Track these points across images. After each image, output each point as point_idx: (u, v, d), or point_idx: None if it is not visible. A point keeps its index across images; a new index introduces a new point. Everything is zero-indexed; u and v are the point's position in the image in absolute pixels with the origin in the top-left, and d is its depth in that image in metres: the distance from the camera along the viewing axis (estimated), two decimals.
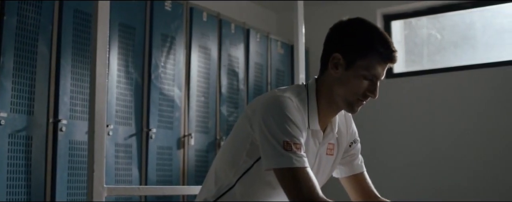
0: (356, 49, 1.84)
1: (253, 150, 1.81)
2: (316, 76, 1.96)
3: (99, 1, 2.12)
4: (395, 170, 4.92)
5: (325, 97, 1.89)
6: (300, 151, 1.72)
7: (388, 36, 1.87)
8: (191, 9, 3.99)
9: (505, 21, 4.85)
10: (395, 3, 5.14)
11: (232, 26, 4.38)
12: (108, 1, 2.17)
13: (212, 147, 4.01)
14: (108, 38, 2.13)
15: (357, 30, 1.87)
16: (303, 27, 3.97)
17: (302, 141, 1.76)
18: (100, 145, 2.03)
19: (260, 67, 4.69)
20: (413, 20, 5.28)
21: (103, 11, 2.12)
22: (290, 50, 5.07)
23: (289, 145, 1.71)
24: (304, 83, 1.98)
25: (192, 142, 3.87)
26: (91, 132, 2.02)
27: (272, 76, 4.82)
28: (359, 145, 2.12)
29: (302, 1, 4.01)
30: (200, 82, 4.02)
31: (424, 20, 5.25)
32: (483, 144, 4.61)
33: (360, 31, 1.86)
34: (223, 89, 4.24)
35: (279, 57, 4.96)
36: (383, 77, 1.87)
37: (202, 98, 4.02)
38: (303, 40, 3.95)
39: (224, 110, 4.22)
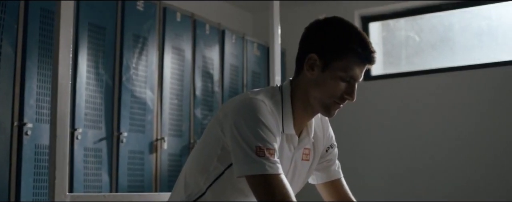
0: (333, 50, 1.75)
1: (224, 156, 1.73)
2: (291, 78, 1.87)
3: (62, 1, 2.01)
4: (373, 174, 4.86)
5: (301, 100, 1.81)
6: (274, 157, 1.64)
7: (366, 36, 1.80)
8: (164, 9, 3.89)
9: (484, 23, 4.82)
10: (373, 4, 5.09)
11: (207, 27, 4.29)
12: (72, 1, 2.06)
13: (186, 151, 3.91)
14: (71, 39, 2.03)
15: (334, 29, 1.79)
16: (279, 27, 3.90)
17: (276, 146, 1.67)
18: (63, 151, 1.92)
19: (236, 69, 4.60)
20: (391, 22, 5.23)
21: (67, 11, 2.01)
22: (266, 52, 4.97)
23: (262, 151, 1.63)
24: (279, 85, 1.88)
25: (165, 146, 3.76)
26: (53, 137, 1.91)
27: (248, 78, 4.74)
28: (336, 149, 2.04)
29: (278, 1, 3.94)
30: (173, 84, 3.92)
31: (402, 22, 5.20)
32: (462, 145, 4.58)
33: (337, 31, 1.78)
34: (198, 92, 4.14)
35: (255, 59, 4.87)
36: (361, 79, 1.79)
37: (176, 101, 3.92)
38: (279, 41, 3.88)
39: (198, 112, 4.12)
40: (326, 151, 1.99)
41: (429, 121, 4.75)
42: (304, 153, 1.89)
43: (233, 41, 4.58)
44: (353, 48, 1.74)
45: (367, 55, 1.75)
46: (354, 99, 1.77)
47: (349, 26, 1.79)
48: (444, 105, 4.72)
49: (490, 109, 4.55)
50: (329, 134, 2.01)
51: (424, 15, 5.05)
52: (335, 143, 2.03)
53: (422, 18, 5.07)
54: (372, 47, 1.77)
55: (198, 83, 4.16)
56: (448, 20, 4.96)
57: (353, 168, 4.16)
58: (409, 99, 4.86)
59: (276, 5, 3.90)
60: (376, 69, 5.09)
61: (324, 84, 1.74)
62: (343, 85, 1.74)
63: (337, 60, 1.73)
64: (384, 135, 4.90)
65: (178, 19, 3.99)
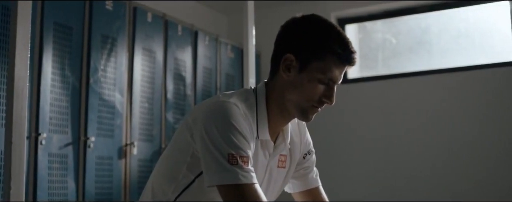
0: (311, 50, 1.64)
1: (194, 164, 1.61)
2: (266, 80, 1.76)
3: (19, 1, 1.87)
4: (351, 179, 4.77)
5: (276, 103, 1.70)
6: (247, 165, 1.53)
7: (346, 36, 1.70)
8: (135, 9, 3.76)
9: (461, 25, 4.78)
10: (350, 6, 5.00)
11: (179, 27, 4.17)
12: (30, 1, 1.92)
13: (157, 156, 3.77)
14: (29, 38, 1.89)
15: (312, 28, 1.68)
16: (254, 28, 3.80)
17: (250, 153, 1.56)
18: (19, 159, 1.77)
19: (209, 71, 4.49)
20: (368, 24, 5.16)
21: (24, 9, 1.87)
22: (240, 54, 4.88)
23: (234, 159, 1.51)
24: (253, 87, 1.76)
25: (135, 151, 3.63)
26: (8, 143, 1.76)
27: (221, 81, 4.62)
28: (314, 156, 1.93)
29: (252, 2, 3.84)
30: (143, 87, 3.78)
31: (379, 24, 5.13)
32: (440, 148, 4.54)
33: (315, 30, 1.67)
34: (169, 95, 4.02)
35: (229, 62, 4.76)
36: (340, 82, 1.69)
37: (146, 105, 3.79)
38: (254, 42, 3.80)
39: (170, 116, 3.99)
40: (304, 157, 1.89)
41: (406, 125, 4.70)
42: (280, 160, 1.79)
43: (206, 43, 4.47)
44: (332, 48, 1.63)
45: (347, 56, 1.65)
46: (333, 103, 1.67)
47: (328, 25, 1.69)
48: (421, 108, 4.68)
49: (467, 111, 4.52)
50: (307, 140, 1.90)
51: (401, 17, 4.99)
52: (313, 149, 1.93)
53: (399, 21, 5.00)
54: (352, 47, 1.67)
55: (170, 86, 4.04)
56: (425, 22, 4.90)
57: (330, 174, 4.07)
58: (386, 103, 4.80)
59: (251, 5, 3.81)
60: (353, 72, 5.01)
61: (301, 87, 1.64)
62: (321, 88, 1.65)
63: (315, 61, 1.63)
64: (360, 139, 4.83)
65: (149, 19, 3.86)
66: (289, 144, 1.79)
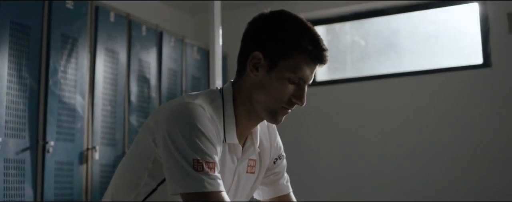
0: (280, 47, 1.56)
1: (157, 170, 1.51)
2: (232, 80, 1.66)
3: None
4: (319, 183, 4.70)
5: (244, 104, 1.60)
6: (214, 172, 1.44)
7: (317, 32, 1.60)
8: (97, 8, 3.62)
9: (430, 27, 4.75)
10: (318, 7, 4.93)
11: (143, 28, 4.05)
12: None
13: (120, 161, 3.61)
14: None
15: (281, 24, 1.59)
16: (220, 29, 3.71)
17: (217, 159, 1.46)
18: None
19: (174, 73, 4.37)
20: (336, 26, 5.09)
21: None
22: (207, 56, 4.77)
23: (200, 165, 1.42)
24: (219, 88, 1.66)
25: (97, 156, 3.49)
26: None
27: (187, 83, 4.52)
28: (284, 161, 1.84)
29: (219, 2, 3.75)
30: (106, 89, 3.65)
31: (348, 25, 5.07)
32: (408, 150, 4.51)
33: (284, 26, 1.58)
34: (133, 98, 3.89)
35: (195, 63, 4.65)
36: (311, 81, 1.60)
37: (109, 107, 3.66)
38: (220, 43, 3.72)
39: (134, 120, 3.87)
40: (274, 162, 1.80)
41: (376, 127, 4.66)
42: (249, 164, 1.70)
43: (172, 44, 4.37)
44: (302, 46, 1.55)
45: (318, 54, 1.57)
46: (304, 104, 1.59)
47: (298, 21, 1.60)
48: (391, 111, 4.64)
49: (436, 114, 4.50)
50: (277, 143, 1.81)
51: (370, 19, 4.93)
52: (284, 154, 1.83)
53: (368, 22, 4.95)
54: (324, 44, 1.59)
55: (134, 88, 3.91)
56: (394, 24, 4.85)
57: (299, 178, 3.98)
58: (355, 105, 4.75)
59: (217, 5, 3.73)
60: (321, 74, 4.94)
61: (270, 87, 1.55)
62: (291, 87, 1.56)
63: (285, 60, 1.54)
64: (329, 142, 4.78)
65: (112, 19, 3.74)
66: (259, 147, 1.70)
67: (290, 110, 1.61)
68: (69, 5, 3.39)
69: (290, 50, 1.54)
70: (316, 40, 1.57)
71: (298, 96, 1.57)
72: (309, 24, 1.60)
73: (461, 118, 4.41)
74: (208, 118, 1.49)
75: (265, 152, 1.74)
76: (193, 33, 5.18)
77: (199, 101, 1.52)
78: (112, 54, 3.73)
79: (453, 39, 4.67)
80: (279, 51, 1.55)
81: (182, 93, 4.39)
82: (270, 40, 1.56)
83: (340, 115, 4.76)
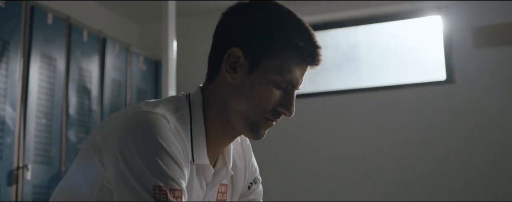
0: (264, 43, 1.26)
1: (105, 199, 1.18)
2: (201, 85, 1.33)
3: None
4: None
5: (217, 115, 1.29)
6: (180, 200, 1.11)
7: (308, 26, 1.29)
8: (32, 9, 3.28)
9: (391, 41, 4.56)
10: None
11: (85, 33, 3.71)
12: None
13: (55, 182, 3.25)
14: None
15: (265, 14, 1.29)
16: (175, 38, 3.63)
17: (184, 185, 1.12)
18: None
19: (118, 84, 4.04)
20: None
21: None
22: (154, 67, 4.48)
23: (163, 193, 1.11)
24: (185, 94, 1.32)
25: (29, 175, 3.11)
26: None
27: (132, 95, 4.20)
28: (260, 186, 1.52)
29: (174, 9, 3.66)
30: (41, 100, 3.28)
31: None
32: (367, 167, 4.33)
33: (269, 16, 1.28)
34: (71, 110, 3.53)
35: (141, 74, 4.33)
36: (300, 87, 1.29)
37: (43, 121, 3.29)
38: (175, 53, 3.53)
39: (72, 135, 3.50)
40: (249, 187, 1.49)
41: (332, 144, 4.46)
42: (219, 190, 1.37)
43: (116, 52, 4.05)
44: (292, 41, 1.26)
45: (311, 52, 1.28)
46: (292, 114, 1.27)
47: (286, 11, 1.31)
48: (349, 127, 4.45)
49: (396, 132, 4.34)
50: (252, 165, 1.49)
51: (327, 31, 4.69)
52: (260, 178, 1.50)
53: (325, 34, 4.70)
54: (317, 40, 1.28)
55: (72, 100, 3.56)
56: (353, 37, 4.63)
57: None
58: (312, 122, 4.52)
59: (172, 12, 3.60)
60: None
61: (251, 92, 1.25)
62: (277, 93, 1.26)
63: (270, 58, 1.25)
64: (285, 159, 4.53)
65: (49, 21, 3.39)
66: (231, 169, 1.36)
67: (274, 122, 1.29)
68: (0, 3, 3.01)
69: (276, 46, 1.24)
70: (308, 35, 1.28)
71: (285, 104, 1.27)
72: (298, 15, 1.29)
73: (422, 137, 4.25)
74: (173, 131, 1.17)
75: (238, 175, 1.42)
76: (139, 42, 4.82)
77: (160, 110, 1.19)
78: (48, 60, 3.37)
79: (415, 53, 4.50)
80: (263, 47, 1.24)
81: (126, 106, 4.03)
82: (251, 34, 1.26)
83: (295, 131, 4.52)
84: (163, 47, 3.56)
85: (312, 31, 1.29)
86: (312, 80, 4.73)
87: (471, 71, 4.21)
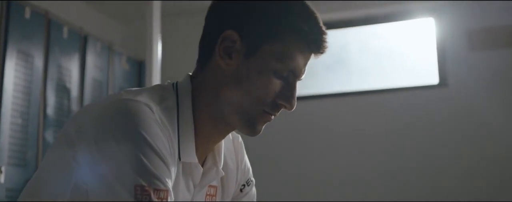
0: (264, 26, 1.11)
1: (79, 199, 1.02)
2: (190, 73, 1.18)
3: None
4: None
5: (208, 107, 1.15)
6: None
7: (314, 9, 1.15)
8: (8, 2, 3.13)
9: (382, 43, 4.48)
10: None
11: (65, 29, 3.56)
12: None
13: None
14: None
15: None
16: (159, 38, 3.56)
17: (170, 184, 0.97)
18: None
19: (99, 84, 3.91)
20: None
21: None
22: (138, 67, 4.36)
23: (145, 193, 0.96)
24: (172, 83, 1.17)
25: (2, 178, 2.97)
26: None
27: None
28: (254, 189, 1.38)
29: (159, 7, 3.60)
30: (16, 98, 3.13)
31: None
32: (359, 173, 4.24)
33: None
34: (49, 110, 3.38)
35: (124, 74, 4.20)
36: (303, 77, 1.15)
37: (19, 121, 3.14)
38: (159, 53, 3.55)
39: (49, 136, 3.36)
40: (241, 190, 1.35)
41: (323, 148, 4.37)
42: (208, 193, 1.22)
43: (98, 50, 3.91)
44: (295, 25, 1.12)
45: (317, 37, 1.14)
46: (294, 108, 1.13)
47: None
48: (338, 132, 4.36)
49: (387, 136, 4.25)
50: (245, 165, 1.35)
51: None
52: (253, 179, 1.36)
53: None
54: (323, 26, 1.14)
55: (51, 99, 3.41)
56: (343, 39, 4.53)
57: None
58: (301, 125, 4.42)
59: (156, 11, 3.57)
60: None
61: (248, 82, 1.11)
62: (277, 84, 1.13)
63: (270, 43, 1.11)
64: (274, 163, 4.41)
65: (27, 16, 3.25)
66: (222, 169, 1.21)
67: (273, 116, 1.15)
68: None
69: (278, 30, 1.11)
70: (314, 19, 1.14)
71: (286, 96, 1.13)
72: None
73: (414, 143, 4.17)
74: (158, 123, 1.02)
75: (230, 176, 1.28)
76: (122, 41, 4.69)
77: (143, 98, 1.04)
78: (25, 57, 3.22)
79: (407, 56, 4.43)
80: (263, 30, 1.11)
81: None
82: (250, 15, 1.12)
83: (285, 135, 4.43)
84: (148, 47, 3.49)
85: (318, 15, 1.15)
86: (302, 83, 4.61)
87: (465, 75, 4.13)
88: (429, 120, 4.16)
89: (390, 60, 4.44)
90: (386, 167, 4.19)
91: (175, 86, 1.13)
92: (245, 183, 1.32)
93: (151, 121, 0.99)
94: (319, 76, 4.56)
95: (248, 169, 1.34)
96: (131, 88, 1.11)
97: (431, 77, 4.26)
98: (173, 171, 1.02)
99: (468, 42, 4.12)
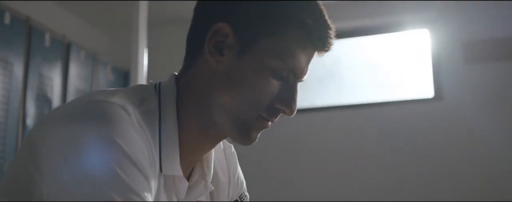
0: (261, 18, 0.97)
1: None
2: (176, 73, 1.04)
3: None
4: None
5: (195, 111, 1.02)
6: None
7: (317, 1, 1.01)
8: None
9: (376, 56, 4.40)
10: None
11: (47, 37, 3.43)
12: None
13: None
14: None
15: None
16: (146, 48, 3.51)
17: (150, 198, 0.83)
18: None
19: (83, 94, 3.70)
20: None
21: None
22: (124, 78, 4.25)
23: None
24: (154, 83, 1.03)
25: None
26: None
27: None
28: None
29: (145, 18, 3.55)
30: None
31: None
32: (350, 187, 4.15)
33: None
34: (29, 121, 3.24)
35: (109, 85, 4.09)
36: (305, 78, 1.02)
37: None
38: (145, 64, 3.49)
39: None
40: None
41: (313, 163, 4.27)
42: None
43: (82, 59, 3.79)
44: (297, 17, 0.98)
45: (322, 33, 1.00)
46: (294, 113, 0.99)
47: None
48: (330, 146, 4.27)
49: (380, 151, 4.16)
50: (238, 177, 1.21)
51: None
52: (247, 194, 1.21)
53: None
54: (328, 19, 1.00)
55: (31, 109, 3.27)
56: (336, 51, 4.41)
57: None
58: (292, 139, 4.33)
59: (142, 22, 3.57)
60: None
61: (242, 82, 0.97)
62: (275, 85, 0.99)
63: (268, 38, 0.98)
64: (263, 178, 4.29)
65: (7, 21, 3.11)
66: (212, 183, 1.07)
67: (270, 123, 1.01)
68: None
69: (277, 22, 0.96)
70: (318, 11, 1.00)
71: (285, 99, 1.00)
72: None
73: (408, 158, 4.09)
74: (136, 128, 0.87)
75: (220, 191, 1.14)
76: (107, 50, 4.55)
77: (119, 100, 0.90)
78: (4, 64, 3.09)
79: (401, 69, 4.36)
80: (259, 23, 0.97)
81: None
82: (244, 6, 0.98)
83: (274, 150, 4.32)
84: (133, 56, 3.41)
85: (323, 7, 1.01)
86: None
87: (461, 88, 4.05)
88: (424, 134, 4.08)
89: (384, 72, 4.38)
90: (379, 182, 4.11)
91: (158, 87, 0.99)
92: (238, 198, 1.18)
93: (127, 125, 0.85)
94: (311, 89, 4.50)
95: (242, 182, 1.20)
96: (106, 89, 0.97)
97: (426, 91, 4.19)
98: (154, 184, 0.87)
99: (464, 54, 4.05)
